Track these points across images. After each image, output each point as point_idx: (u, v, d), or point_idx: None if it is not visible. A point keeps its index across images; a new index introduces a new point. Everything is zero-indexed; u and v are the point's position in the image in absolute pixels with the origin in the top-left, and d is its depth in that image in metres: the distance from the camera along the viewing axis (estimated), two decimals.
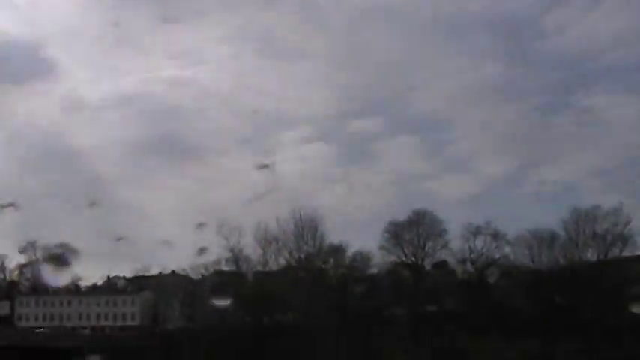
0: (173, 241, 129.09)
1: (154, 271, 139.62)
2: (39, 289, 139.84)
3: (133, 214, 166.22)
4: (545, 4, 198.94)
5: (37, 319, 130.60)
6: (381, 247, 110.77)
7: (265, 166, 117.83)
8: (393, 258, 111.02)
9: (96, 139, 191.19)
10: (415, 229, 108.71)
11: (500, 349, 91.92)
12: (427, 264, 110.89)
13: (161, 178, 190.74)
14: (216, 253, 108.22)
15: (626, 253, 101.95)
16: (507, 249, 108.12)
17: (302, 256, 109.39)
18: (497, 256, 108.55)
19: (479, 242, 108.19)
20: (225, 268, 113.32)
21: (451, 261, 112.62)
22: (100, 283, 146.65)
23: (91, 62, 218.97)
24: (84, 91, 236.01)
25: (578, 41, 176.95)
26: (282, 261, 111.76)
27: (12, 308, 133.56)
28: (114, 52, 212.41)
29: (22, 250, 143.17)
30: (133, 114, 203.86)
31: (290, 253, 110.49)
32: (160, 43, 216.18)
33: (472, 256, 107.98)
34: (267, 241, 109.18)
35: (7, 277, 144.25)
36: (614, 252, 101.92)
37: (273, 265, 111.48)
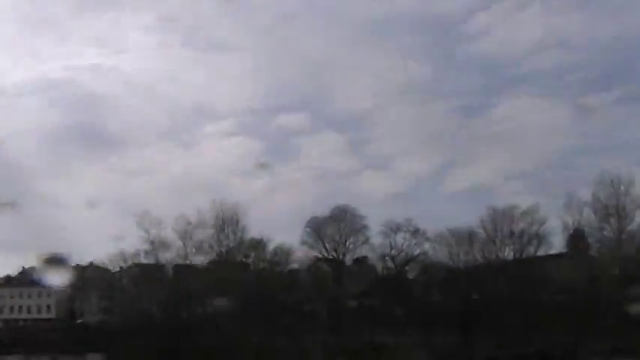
0: (91, 232, 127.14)
1: (71, 263, 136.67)
2: None
3: (49, 204, 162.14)
4: (473, 6, 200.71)
5: None
6: (303, 242, 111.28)
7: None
8: (314, 253, 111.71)
9: (12, 126, 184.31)
10: (336, 225, 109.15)
11: (418, 344, 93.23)
12: (348, 260, 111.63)
13: (79, 168, 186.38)
14: (136, 246, 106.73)
15: (541, 253, 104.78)
16: (427, 246, 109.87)
17: (223, 249, 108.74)
18: (417, 252, 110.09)
19: (399, 239, 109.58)
20: (144, 260, 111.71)
21: (372, 257, 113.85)
22: (13, 274, 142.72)
23: (7, 46, 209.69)
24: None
25: (502, 44, 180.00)
26: (202, 254, 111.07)
27: None
28: (33, 37, 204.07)
29: None
30: (52, 101, 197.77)
31: (211, 246, 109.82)
32: (81, 29, 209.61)
33: (392, 252, 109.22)
34: (187, 234, 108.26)
35: None
36: (530, 251, 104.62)
37: (193, 259, 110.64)
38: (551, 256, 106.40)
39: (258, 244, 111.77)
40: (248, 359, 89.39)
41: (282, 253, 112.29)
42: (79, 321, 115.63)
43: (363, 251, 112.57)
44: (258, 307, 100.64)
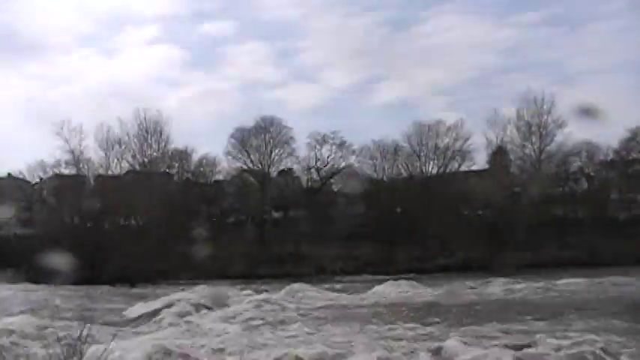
0: (9, 142, 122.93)
1: None
2: None
3: None
4: None
5: None
6: (227, 153, 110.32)
7: None
8: (238, 164, 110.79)
9: None
10: (262, 136, 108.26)
11: (341, 256, 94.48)
12: (273, 171, 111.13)
13: None
14: (56, 156, 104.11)
15: (463, 168, 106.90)
16: (352, 159, 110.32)
17: (146, 159, 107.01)
18: (342, 165, 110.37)
19: (325, 151, 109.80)
20: (65, 171, 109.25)
21: (297, 169, 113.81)
22: None
23: None
24: None
25: None
26: (125, 165, 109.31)
27: None
28: None
29: None
30: None
31: (134, 156, 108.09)
32: None
33: (318, 164, 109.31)
34: (109, 143, 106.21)
35: None
36: (454, 166, 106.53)
37: (115, 169, 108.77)
38: (473, 171, 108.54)
39: (182, 155, 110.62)
40: (172, 269, 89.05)
41: (207, 164, 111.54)
42: None
43: (288, 163, 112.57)
44: (183, 218, 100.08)
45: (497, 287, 64.24)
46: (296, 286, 67.75)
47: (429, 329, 40.60)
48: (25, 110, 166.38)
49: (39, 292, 74.28)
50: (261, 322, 49.13)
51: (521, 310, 46.91)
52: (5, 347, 33.51)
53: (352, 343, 38.34)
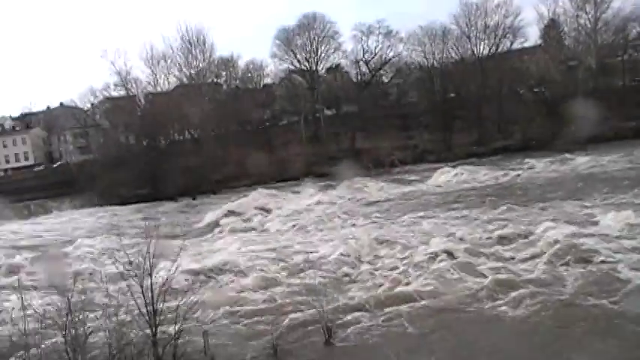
0: (57, 72, 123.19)
1: (42, 107, 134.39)
2: None
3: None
4: None
5: None
6: (273, 56, 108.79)
7: None
8: (286, 66, 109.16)
9: None
10: (306, 34, 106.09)
11: (398, 147, 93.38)
12: (321, 69, 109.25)
13: None
14: (104, 80, 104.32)
15: (516, 46, 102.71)
16: (400, 47, 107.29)
17: (193, 72, 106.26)
18: (390, 54, 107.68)
19: (372, 42, 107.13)
20: (114, 93, 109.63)
21: (345, 64, 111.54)
22: None
23: None
24: None
25: None
26: (172, 79, 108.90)
27: None
28: None
29: None
30: None
31: (180, 70, 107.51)
32: None
33: (366, 56, 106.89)
34: (154, 60, 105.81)
35: None
36: (505, 44, 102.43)
37: (164, 85, 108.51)
38: (526, 49, 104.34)
39: (229, 62, 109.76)
40: (230, 177, 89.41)
41: (254, 68, 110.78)
42: (58, 163, 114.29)
43: (336, 59, 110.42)
44: (235, 126, 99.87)
45: (579, 161, 63.00)
46: (356, 180, 67.53)
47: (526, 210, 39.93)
48: (69, 38, 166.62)
49: (104, 214, 75.64)
50: (323, 217, 49.17)
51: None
52: (80, 270, 33.93)
53: (420, 230, 37.90)
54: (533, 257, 28.03)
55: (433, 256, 29.13)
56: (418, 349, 19.78)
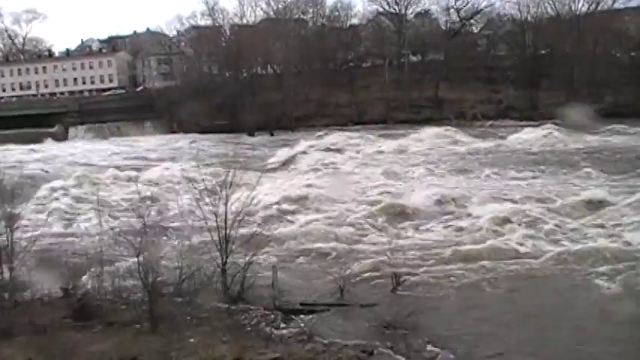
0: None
1: (128, 31, 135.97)
2: (11, 58, 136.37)
3: None
4: None
5: (13, 88, 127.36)
6: None
7: None
8: (374, 7, 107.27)
9: None
10: None
11: (482, 100, 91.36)
12: (410, 13, 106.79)
13: None
14: (192, 8, 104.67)
15: (618, 5, 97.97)
16: None
17: (280, 6, 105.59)
18: (483, 4, 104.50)
19: None
20: (201, 22, 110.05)
21: (435, 10, 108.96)
22: (73, 48, 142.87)
23: None
24: None
25: None
26: (259, 13, 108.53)
27: None
28: None
29: None
30: None
31: (268, 3, 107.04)
32: None
33: (457, 4, 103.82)
34: None
35: None
36: (607, 2, 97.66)
37: (250, 18, 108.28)
38: (630, 8, 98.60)
39: (317, 0, 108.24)
40: (309, 116, 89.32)
41: (342, 8, 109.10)
42: (140, 88, 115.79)
43: (426, 4, 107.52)
44: (319, 64, 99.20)
45: None
46: (436, 129, 66.34)
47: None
48: None
49: (182, 141, 76.70)
50: (390, 164, 48.64)
51: None
52: (156, 194, 34.38)
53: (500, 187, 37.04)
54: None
55: (518, 216, 28.13)
56: (484, 310, 19.20)
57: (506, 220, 27.60)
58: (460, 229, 27.55)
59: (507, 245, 24.62)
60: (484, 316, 18.29)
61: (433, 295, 20.36)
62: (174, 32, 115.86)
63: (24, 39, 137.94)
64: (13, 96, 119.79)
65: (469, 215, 29.50)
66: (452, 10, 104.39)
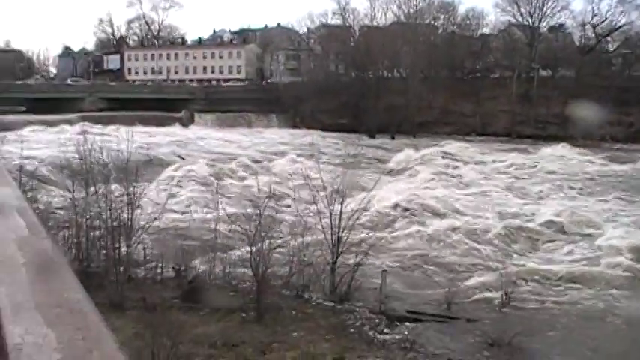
0: None
1: (259, 25, 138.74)
2: (146, 43, 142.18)
3: None
4: None
5: (145, 72, 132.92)
6: (496, 6, 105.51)
7: None
8: (507, 17, 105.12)
9: None
10: None
11: (612, 121, 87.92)
12: (544, 26, 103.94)
13: None
14: (324, 6, 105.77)
15: None
16: (634, 15, 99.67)
17: (411, 10, 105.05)
18: (621, 22, 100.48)
19: (604, 5, 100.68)
20: (332, 21, 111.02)
21: (570, 24, 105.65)
22: (205, 37, 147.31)
23: None
24: None
25: None
26: (390, 15, 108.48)
27: (121, 62, 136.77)
28: None
29: (129, 5, 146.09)
30: None
31: (399, 7, 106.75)
32: None
33: (594, 20, 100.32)
34: None
35: (116, 33, 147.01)
36: None
37: (380, 20, 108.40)
38: None
39: (449, 6, 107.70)
40: (432, 123, 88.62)
41: (474, 16, 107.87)
42: (267, 81, 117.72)
43: (561, 18, 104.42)
44: (445, 71, 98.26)
45: None
46: (563, 147, 64.50)
47: None
48: None
49: (304, 137, 77.57)
50: (515, 180, 47.57)
51: None
52: (274, 187, 34.90)
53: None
54: None
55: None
56: (596, 339, 18.46)
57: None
58: (584, 254, 26.54)
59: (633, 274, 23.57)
60: (596, 346, 17.65)
61: (544, 317, 19.79)
62: (305, 29, 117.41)
63: (160, 26, 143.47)
64: (145, 80, 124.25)
65: (595, 240, 28.24)
66: (587, 26, 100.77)
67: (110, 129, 55.61)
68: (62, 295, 2.21)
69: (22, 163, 26.14)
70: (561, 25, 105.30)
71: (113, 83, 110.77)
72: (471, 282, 22.54)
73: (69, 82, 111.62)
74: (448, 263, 24.85)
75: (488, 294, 21.47)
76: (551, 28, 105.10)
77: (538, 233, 29.37)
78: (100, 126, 63.25)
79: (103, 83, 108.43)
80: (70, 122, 71.25)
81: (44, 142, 52.80)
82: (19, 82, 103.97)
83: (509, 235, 28.70)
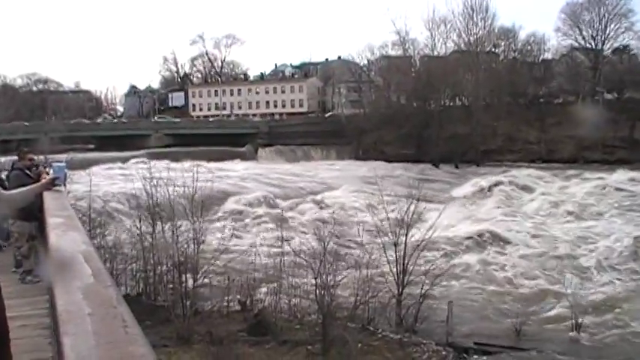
0: (337, 27, 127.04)
1: (320, 58, 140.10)
2: (210, 80, 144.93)
3: None
4: None
5: (209, 108, 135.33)
6: (557, 30, 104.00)
7: None
8: (569, 41, 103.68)
9: None
10: (596, 9, 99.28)
11: None
12: (607, 49, 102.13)
13: None
14: (383, 38, 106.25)
15: None
16: None
17: (471, 38, 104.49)
18: None
19: None
20: (392, 52, 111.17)
21: (635, 45, 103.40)
22: (267, 72, 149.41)
23: None
24: None
25: None
26: (450, 44, 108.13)
27: (186, 99, 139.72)
28: None
29: (192, 43, 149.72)
30: None
31: (459, 35, 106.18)
32: None
33: None
34: (434, 23, 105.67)
35: (180, 70, 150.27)
36: None
37: (441, 49, 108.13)
38: None
39: (509, 32, 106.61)
40: (496, 151, 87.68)
41: (535, 41, 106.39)
42: (329, 114, 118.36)
43: (625, 39, 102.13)
44: (508, 98, 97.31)
45: None
46: (630, 172, 62.85)
47: None
48: None
49: (368, 168, 77.35)
50: (584, 205, 46.45)
51: None
52: (338, 219, 34.95)
53: None
54: None
55: None
56: None
57: None
58: None
59: None
60: None
61: (616, 348, 19.25)
62: (365, 61, 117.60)
63: (222, 62, 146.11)
64: (209, 115, 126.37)
65: None
66: None
67: (175, 165, 56.57)
68: (126, 348, 2.26)
69: (92, 199, 26.76)
70: (626, 47, 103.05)
71: (177, 120, 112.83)
72: (541, 311, 22.15)
73: (156, 119, 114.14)
74: (516, 293, 24.46)
75: (558, 324, 21.02)
76: (616, 50, 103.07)
77: (610, 260, 28.66)
78: (165, 161, 64.32)
79: (167, 120, 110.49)
80: (137, 159, 72.93)
81: (113, 178, 54.03)
82: (88, 122, 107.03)
83: (579, 263, 28.10)
